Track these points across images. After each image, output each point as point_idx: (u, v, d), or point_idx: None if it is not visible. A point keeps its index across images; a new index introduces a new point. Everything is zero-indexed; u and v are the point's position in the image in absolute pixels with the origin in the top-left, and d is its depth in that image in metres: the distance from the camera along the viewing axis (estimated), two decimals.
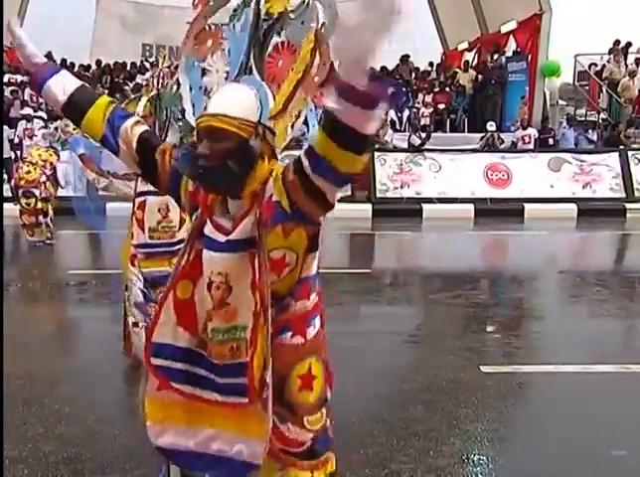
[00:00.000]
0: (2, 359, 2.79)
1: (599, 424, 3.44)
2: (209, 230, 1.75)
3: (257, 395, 1.68)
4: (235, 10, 1.75)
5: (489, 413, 3.59)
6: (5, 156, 11.37)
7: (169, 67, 3.92)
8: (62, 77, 1.92)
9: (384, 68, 17.03)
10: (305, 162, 1.57)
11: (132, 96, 4.19)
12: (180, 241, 3.96)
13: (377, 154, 12.74)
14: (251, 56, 1.69)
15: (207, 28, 1.88)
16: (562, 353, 4.63)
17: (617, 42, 15.71)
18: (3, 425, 2.42)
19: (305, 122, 1.86)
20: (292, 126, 1.78)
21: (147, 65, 15.60)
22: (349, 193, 12.59)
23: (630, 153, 12.97)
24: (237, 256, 1.69)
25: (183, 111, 3.55)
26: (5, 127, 11.55)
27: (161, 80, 3.87)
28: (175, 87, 1.84)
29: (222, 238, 1.71)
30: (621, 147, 13.22)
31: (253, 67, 1.72)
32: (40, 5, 17.03)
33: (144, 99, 3.91)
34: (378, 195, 12.42)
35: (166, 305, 1.80)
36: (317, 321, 1.80)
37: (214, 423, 1.76)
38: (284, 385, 1.73)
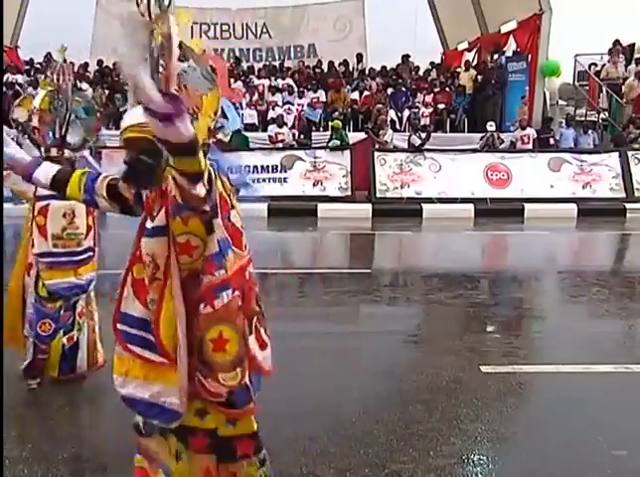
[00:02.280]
0: (2, 359, 2.79)
1: (599, 424, 3.44)
2: (148, 222, 2.10)
3: (170, 354, 2.06)
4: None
5: (489, 413, 3.59)
6: None
7: (70, 62, 3.82)
8: (41, 169, 2.42)
9: (384, 67, 17.06)
10: None
11: (28, 94, 3.97)
12: (86, 250, 3.74)
13: (377, 154, 12.74)
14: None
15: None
16: (562, 353, 4.63)
17: (617, 42, 15.69)
18: (3, 425, 2.42)
19: (224, 116, 2.20)
20: (212, 122, 2.09)
21: None
22: (349, 193, 12.63)
23: (630, 153, 12.97)
24: (159, 240, 2.05)
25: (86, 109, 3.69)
26: (5, 127, 11.53)
27: (61, 76, 3.63)
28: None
29: (150, 226, 2.08)
30: (621, 147, 13.21)
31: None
32: (40, 5, 17.03)
33: (42, 93, 3.63)
34: (378, 195, 12.40)
35: (127, 283, 2.17)
36: (225, 294, 2.05)
37: (165, 381, 2.10)
38: (201, 347, 2.06)
